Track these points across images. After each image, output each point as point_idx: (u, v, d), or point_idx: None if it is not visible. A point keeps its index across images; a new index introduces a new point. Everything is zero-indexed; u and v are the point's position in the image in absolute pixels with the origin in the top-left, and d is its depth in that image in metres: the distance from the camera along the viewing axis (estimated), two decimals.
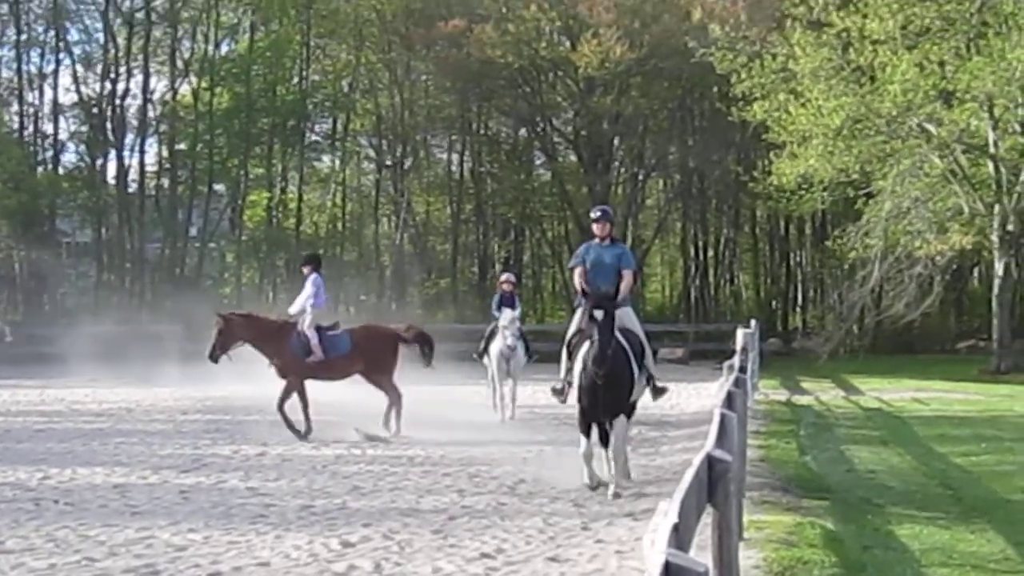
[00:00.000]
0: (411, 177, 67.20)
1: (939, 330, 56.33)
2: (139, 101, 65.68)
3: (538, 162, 68.31)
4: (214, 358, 26.38)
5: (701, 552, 7.74)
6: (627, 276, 19.51)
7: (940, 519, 16.15)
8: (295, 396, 26.10)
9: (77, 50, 66.64)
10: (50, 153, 67.54)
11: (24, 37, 65.55)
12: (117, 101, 64.99)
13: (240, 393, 33.65)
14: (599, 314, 17.58)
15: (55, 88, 66.23)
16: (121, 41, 65.45)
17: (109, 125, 64.82)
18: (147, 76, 65.43)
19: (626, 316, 19.13)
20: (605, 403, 18.00)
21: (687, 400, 35.22)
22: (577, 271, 19.86)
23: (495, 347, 28.84)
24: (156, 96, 66.61)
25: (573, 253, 24.39)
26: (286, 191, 67.47)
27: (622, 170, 65.05)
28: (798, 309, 68.65)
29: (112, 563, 13.71)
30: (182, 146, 66.37)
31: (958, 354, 53.65)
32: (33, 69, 66.37)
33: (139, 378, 39.45)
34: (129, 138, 65.72)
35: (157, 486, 19.01)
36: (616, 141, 63.63)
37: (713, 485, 7.88)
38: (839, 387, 40.46)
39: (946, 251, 45.42)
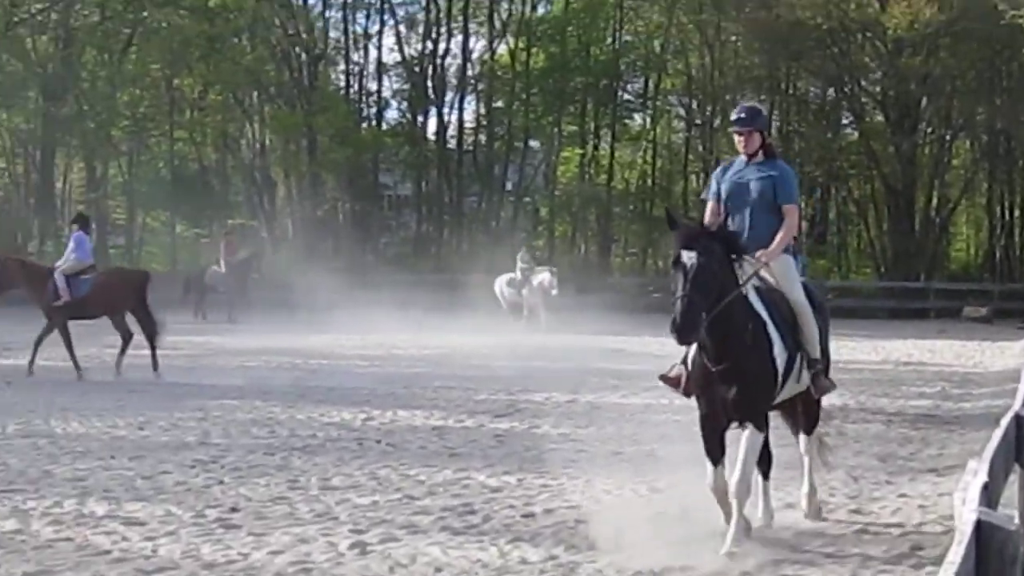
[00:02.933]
0: (720, 135, 67.06)
1: None
2: (459, 60, 67.15)
3: (845, 122, 67.52)
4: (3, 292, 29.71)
5: (1007, 509, 7.64)
6: (789, 214, 12.29)
7: None
8: (59, 336, 28.25)
9: (400, 12, 68.52)
10: (374, 110, 69.54)
11: (349, 0, 67.12)
12: (438, 60, 66.49)
13: (551, 343, 34.04)
14: (689, 258, 10.73)
15: (379, 48, 68.08)
16: (442, 3, 66.70)
17: (430, 83, 66.27)
18: (466, 36, 66.62)
19: (780, 269, 12.22)
20: (727, 403, 11.37)
21: (991, 359, 34.63)
22: (708, 208, 12.73)
23: None
24: (475, 56, 67.90)
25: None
26: (598, 148, 67.91)
27: (929, 130, 64.03)
28: None
29: (431, 502, 13.99)
30: (499, 104, 67.44)
31: None
32: (359, 30, 68.61)
33: (456, 326, 39.94)
34: (449, 96, 67.15)
35: (473, 430, 19.28)
36: (923, 101, 62.64)
37: (1021, 444, 7.78)
38: None
39: None
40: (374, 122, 68.72)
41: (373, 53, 68.59)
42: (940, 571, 4.03)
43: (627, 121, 70.09)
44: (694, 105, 68.03)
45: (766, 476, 12.91)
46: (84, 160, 67.36)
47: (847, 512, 13.86)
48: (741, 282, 11.39)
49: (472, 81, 67.98)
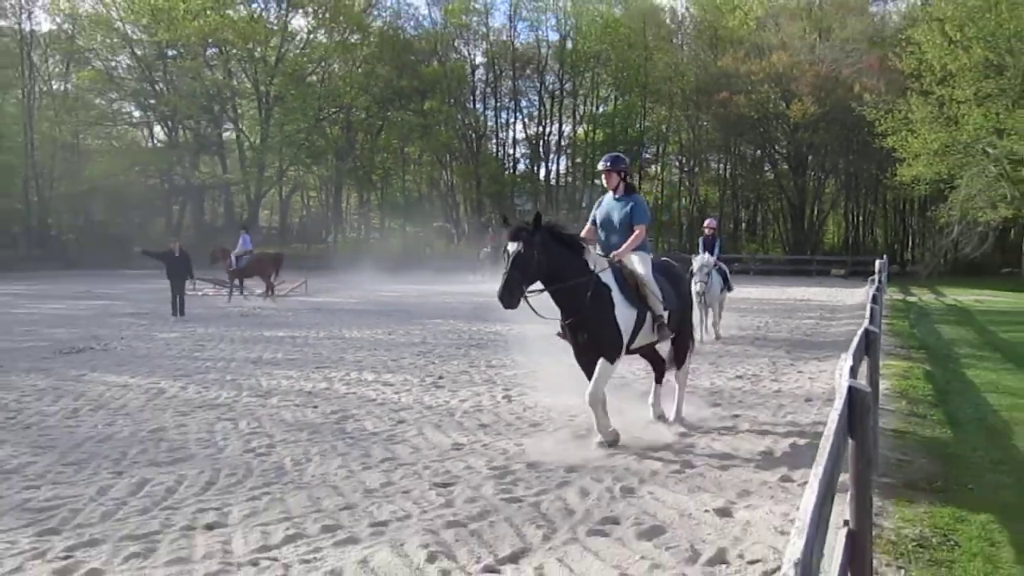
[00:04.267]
0: (698, 175, 66.50)
1: (990, 263, 52.64)
2: (556, 137, 66.90)
3: (766, 169, 66.39)
4: (213, 264, 32.17)
5: (861, 379, 7.55)
6: (637, 231, 10.05)
7: (990, 367, 15.35)
8: (237, 284, 31.27)
9: (524, 111, 68.28)
10: (511, 164, 69.30)
11: (497, 104, 67.36)
12: (545, 137, 66.34)
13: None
14: (513, 248, 8.80)
15: (513, 130, 68.71)
16: (548, 105, 66.34)
17: (541, 150, 66.06)
18: (561, 123, 66.70)
19: (636, 259, 9.95)
20: (581, 346, 9.41)
21: (848, 296, 34.12)
22: (586, 228, 10.41)
23: (693, 288, 18.09)
24: (565, 133, 67.56)
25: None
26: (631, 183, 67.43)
27: (811, 173, 62.93)
28: (909, 249, 65.63)
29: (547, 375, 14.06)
30: (579, 160, 67.11)
31: (1001, 276, 50.32)
32: (501, 121, 68.36)
33: None
34: (551, 155, 66.97)
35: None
36: (810, 158, 61.59)
37: (870, 345, 7.67)
38: (932, 292, 38.62)
39: (996, 219, 43.16)
40: (511, 171, 68.79)
41: (511, 133, 68.99)
42: (829, 414, 4.00)
43: (647, 169, 69.59)
44: (684, 160, 67.52)
45: (659, 381, 10.79)
46: (357, 192, 68.22)
47: (769, 381, 13.72)
48: (591, 266, 9.29)
49: (564, 148, 67.87)
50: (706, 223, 21.07)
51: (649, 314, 9.70)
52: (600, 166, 10.51)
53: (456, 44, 67.01)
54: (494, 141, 69.04)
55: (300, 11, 63.68)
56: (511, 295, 8.60)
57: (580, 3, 65.31)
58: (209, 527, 6.85)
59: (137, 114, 67.01)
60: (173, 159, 62.82)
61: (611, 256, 9.81)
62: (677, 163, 69.13)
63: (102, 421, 10.73)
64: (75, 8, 61.37)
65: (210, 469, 8.51)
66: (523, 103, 68.01)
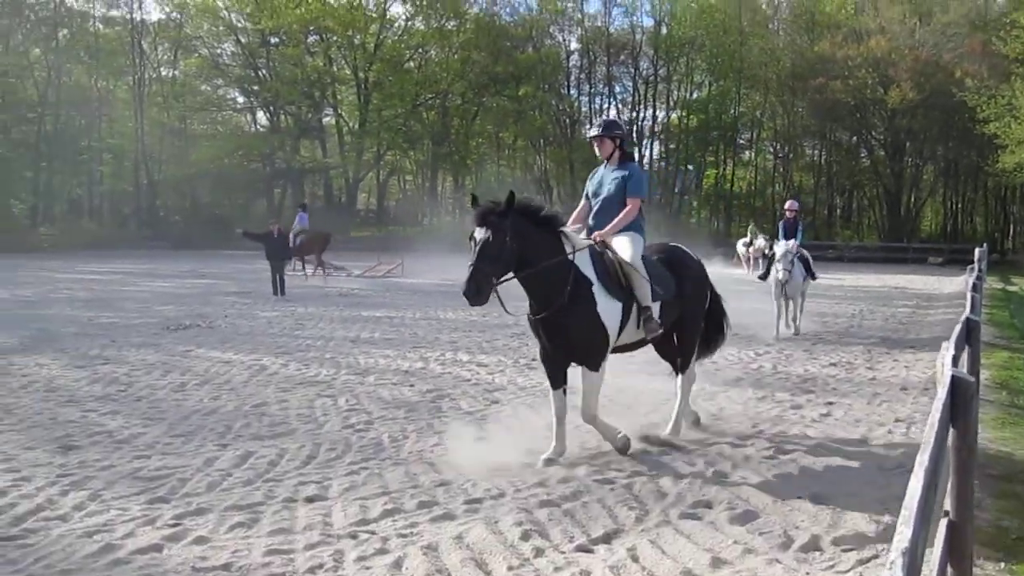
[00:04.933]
0: (792, 161, 65.36)
1: None
2: (649, 122, 66.30)
3: (863, 155, 64.80)
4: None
5: (962, 367, 7.35)
6: (631, 204, 8.39)
7: None
8: (299, 263, 32.25)
9: (618, 96, 67.76)
10: None
11: (591, 89, 67.07)
12: (639, 122, 65.58)
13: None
14: (480, 234, 7.38)
15: (607, 116, 67.36)
16: (642, 91, 65.75)
17: (635, 135, 65.29)
18: (655, 109, 66.00)
19: (622, 244, 8.30)
20: (557, 346, 7.95)
21: (947, 285, 33.22)
22: (581, 204, 8.83)
23: (772, 275, 17.60)
24: (659, 119, 66.84)
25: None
26: (724, 169, 66.52)
27: (909, 160, 61.40)
28: (1010, 236, 63.64)
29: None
30: (672, 146, 66.35)
31: None
32: (595, 106, 67.97)
33: None
34: (645, 140, 66.17)
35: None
36: (907, 144, 60.09)
37: (970, 334, 7.47)
38: None
39: None
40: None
41: (602, 116, 68.48)
42: (933, 403, 3.89)
43: (740, 155, 68.53)
44: (778, 146, 66.34)
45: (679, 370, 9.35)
46: (452, 176, 68.56)
47: (864, 369, 13.45)
48: (567, 249, 7.80)
49: (658, 133, 67.17)
50: (787, 205, 19.08)
51: (635, 305, 8.20)
52: (592, 132, 8.79)
53: (551, 30, 66.85)
54: (588, 126, 68.69)
55: None
56: (478, 291, 7.31)
57: None
58: (310, 500, 6.98)
59: (241, 100, 68.56)
60: (275, 143, 64.00)
61: (594, 237, 8.33)
62: (771, 149, 67.99)
63: (208, 395, 11.01)
64: None
65: (311, 444, 8.67)
66: (617, 89, 67.65)
